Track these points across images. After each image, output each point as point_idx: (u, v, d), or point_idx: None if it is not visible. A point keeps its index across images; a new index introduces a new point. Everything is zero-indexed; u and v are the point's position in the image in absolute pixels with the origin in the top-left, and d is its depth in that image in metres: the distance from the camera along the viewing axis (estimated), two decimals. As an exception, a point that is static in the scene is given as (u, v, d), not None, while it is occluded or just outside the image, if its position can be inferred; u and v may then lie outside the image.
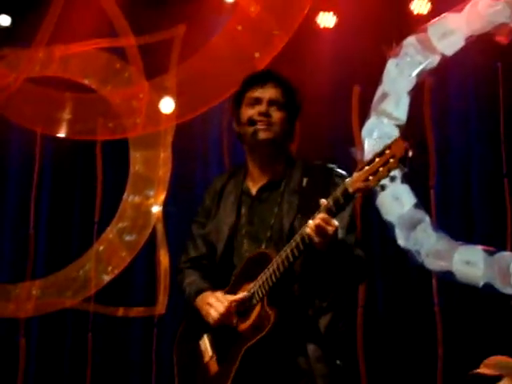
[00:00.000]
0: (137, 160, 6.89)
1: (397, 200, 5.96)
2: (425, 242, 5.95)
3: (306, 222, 3.11)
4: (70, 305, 6.76)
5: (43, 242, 7.01)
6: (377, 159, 2.94)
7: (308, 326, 3.26)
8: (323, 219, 3.03)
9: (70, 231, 7.05)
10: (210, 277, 3.50)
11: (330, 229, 3.04)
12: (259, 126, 3.41)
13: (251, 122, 3.42)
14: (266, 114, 3.42)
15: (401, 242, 5.99)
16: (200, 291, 3.41)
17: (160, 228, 6.74)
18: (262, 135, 3.41)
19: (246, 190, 3.53)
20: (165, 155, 6.82)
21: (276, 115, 3.43)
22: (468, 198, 6.27)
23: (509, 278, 5.67)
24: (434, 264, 5.91)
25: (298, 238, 3.12)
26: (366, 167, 2.96)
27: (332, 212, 3.05)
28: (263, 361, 3.20)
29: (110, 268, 6.75)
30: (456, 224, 6.26)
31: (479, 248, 5.86)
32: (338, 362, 3.28)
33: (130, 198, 6.87)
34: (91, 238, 6.86)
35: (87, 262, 6.79)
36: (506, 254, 5.83)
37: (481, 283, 5.78)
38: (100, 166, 6.95)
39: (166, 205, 6.77)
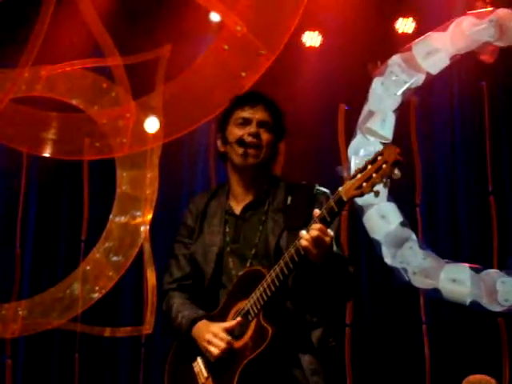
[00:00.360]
0: (123, 180, 6.89)
1: (383, 218, 5.97)
2: (411, 259, 5.96)
3: (293, 239, 3.13)
4: (57, 325, 6.73)
5: (29, 262, 6.99)
6: (369, 166, 2.97)
7: (301, 339, 3.27)
8: (320, 229, 3.04)
9: (57, 251, 7.04)
10: (197, 297, 3.49)
11: (327, 239, 3.06)
12: (249, 150, 3.41)
13: (241, 142, 3.42)
14: (256, 135, 3.42)
15: (388, 260, 6.00)
16: (194, 321, 3.39)
17: (147, 248, 6.74)
18: (251, 160, 3.42)
19: (229, 210, 3.53)
20: (152, 175, 6.82)
21: (265, 137, 3.43)
22: (454, 216, 6.29)
23: (495, 296, 5.68)
24: (420, 282, 5.92)
25: (292, 250, 3.12)
26: (359, 175, 2.99)
27: (326, 222, 3.07)
28: (261, 375, 3.20)
29: (96, 288, 6.73)
30: (442, 242, 6.29)
31: (466, 266, 5.88)
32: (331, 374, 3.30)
33: (116, 218, 6.87)
34: (78, 258, 6.84)
35: (74, 281, 6.77)
36: (492, 271, 5.85)
37: (468, 301, 5.79)
38: (87, 185, 6.95)
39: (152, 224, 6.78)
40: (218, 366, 3.28)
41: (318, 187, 3.45)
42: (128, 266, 6.77)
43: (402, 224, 6.02)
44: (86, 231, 6.89)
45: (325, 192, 3.41)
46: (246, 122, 3.45)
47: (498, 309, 5.75)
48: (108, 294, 6.74)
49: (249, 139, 3.41)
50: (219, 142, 3.56)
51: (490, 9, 6.08)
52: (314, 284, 3.22)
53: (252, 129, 3.42)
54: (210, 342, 3.26)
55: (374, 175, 2.94)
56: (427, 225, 6.28)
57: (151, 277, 6.67)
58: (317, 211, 3.09)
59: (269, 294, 3.16)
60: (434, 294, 5.91)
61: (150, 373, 6.61)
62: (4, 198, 7.09)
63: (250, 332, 3.21)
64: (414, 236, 6.04)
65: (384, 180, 2.93)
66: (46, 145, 6.91)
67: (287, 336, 3.22)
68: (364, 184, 2.97)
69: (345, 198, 3.02)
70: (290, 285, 3.24)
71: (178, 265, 3.58)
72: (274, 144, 3.48)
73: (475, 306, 5.80)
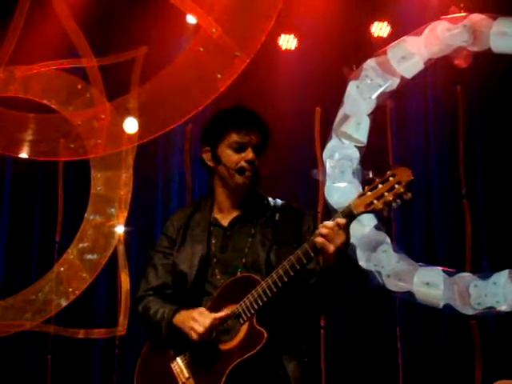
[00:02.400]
0: (98, 180, 6.87)
1: (358, 221, 5.95)
2: (385, 262, 5.99)
3: (282, 253, 3.23)
4: (30, 327, 6.70)
5: (2, 263, 6.95)
6: (380, 185, 3.08)
7: (290, 345, 3.32)
8: (340, 224, 3.12)
9: (31, 252, 7.00)
10: (177, 304, 3.49)
11: (343, 237, 3.14)
12: (247, 175, 3.43)
13: (241, 170, 3.43)
14: (253, 162, 3.44)
15: (362, 263, 6.01)
16: (177, 310, 3.39)
17: (121, 249, 6.73)
18: (248, 182, 3.45)
19: (214, 222, 3.55)
20: (126, 176, 6.82)
21: (257, 161, 3.46)
22: (428, 220, 6.33)
23: (468, 299, 5.72)
24: (394, 285, 5.95)
25: (306, 246, 3.17)
26: (369, 192, 3.10)
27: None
28: (248, 378, 3.22)
29: (70, 289, 6.70)
30: (416, 245, 6.32)
31: (439, 269, 5.91)
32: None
33: (91, 219, 6.85)
34: (52, 259, 6.81)
35: (47, 283, 6.74)
36: (466, 274, 5.88)
37: (441, 304, 5.82)
38: (61, 186, 6.92)
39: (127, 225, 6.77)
40: (200, 366, 3.29)
41: (304, 210, 3.55)
42: (102, 267, 6.75)
43: (377, 227, 6.05)
44: (61, 233, 6.86)
45: (311, 213, 3.58)
46: (242, 147, 3.45)
47: (470, 312, 5.78)
48: (82, 296, 6.72)
49: (247, 167, 3.43)
50: (207, 156, 3.55)
51: (464, 14, 6.12)
52: (330, 284, 3.26)
53: (250, 155, 3.43)
54: (195, 320, 3.26)
55: (386, 194, 3.07)
56: (401, 228, 6.31)
57: (125, 278, 6.66)
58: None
59: (265, 299, 3.20)
60: (408, 296, 5.94)
61: (124, 374, 6.59)
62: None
63: (241, 335, 3.23)
64: (388, 239, 6.06)
65: (397, 200, 3.06)
66: (21, 145, 6.88)
67: (278, 342, 3.25)
68: (375, 201, 3.09)
69: (355, 212, 3.13)
70: (287, 291, 3.26)
71: (156, 274, 3.57)
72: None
73: (448, 309, 5.83)
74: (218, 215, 3.55)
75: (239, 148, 3.45)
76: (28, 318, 6.67)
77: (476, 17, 6.05)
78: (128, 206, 6.79)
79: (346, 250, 3.19)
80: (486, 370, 5.89)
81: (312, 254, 3.16)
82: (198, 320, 3.25)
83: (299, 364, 3.31)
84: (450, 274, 5.87)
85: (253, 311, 3.21)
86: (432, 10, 6.26)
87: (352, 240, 5.86)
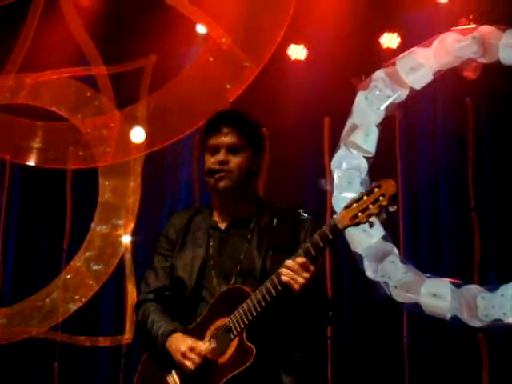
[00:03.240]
0: (106, 189, 6.88)
1: (365, 232, 5.97)
2: (393, 273, 5.97)
3: (278, 261, 3.20)
4: (36, 334, 6.70)
5: (10, 270, 6.96)
6: (365, 197, 3.06)
7: (283, 359, 3.30)
8: (302, 264, 3.10)
9: (39, 259, 7.01)
10: (174, 309, 3.48)
11: (306, 275, 3.11)
12: (218, 177, 3.42)
13: (210, 172, 3.44)
14: (224, 163, 3.43)
15: (369, 273, 6.01)
16: (170, 333, 3.38)
17: (128, 257, 6.73)
18: (221, 184, 3.43)
19: (214, 225, 3.55)
20: (134, 184, 6.82)
21: (234, 161, 3.43)
22: (436, 231, 6.31)
23: (475, 311, 5.70)
24: (401, 296, 5.93)
25: (274, 278, 3.17)
26: (354, 205, 3.07)
27: (319, 248, 3.13)
28: None
29: (77, 297, 6.71)
30: (424, 256, 6.30)
31: (446, 281, 5.89)
32: None
33: (98, 227, 6.86)
34: (59, 266, 6.82)
35: (54, 290, 6.75)
36: (473, 286, 5.86)
37: (448, 315, 5.80)
38: (70, 194, 6.93)
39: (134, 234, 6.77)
40: (194, 380, 3.28)
41: (302, 212, 3.49)
42: (109, 275, 6.75)
43: (384, 238, 6.03)
44: (68, 240, 6.87)
45: (310, 218, 3.47)
46: (216, 149, 3.46)
47: (478, 324, 5.76)
48: (89, 304, 6.72)
49: (216, 167, 3.43)
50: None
51: (473, 26, 6.12)
52: (291, 312, 3.26)
53: (220, 156, 3.44)
54: (185, 356, 3.26)
55: (371, 206, 3.04)
56: (409, 239, 6.30)
57: (132, 286, 6.66)
58: (306, 245, 3.15)
59: (254, 313, 3.19)
60: (415, 308, 5.92)
61: (130, 383, 6.58)
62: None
63: (232, 349, 3.22)
64: (395, 250, 6.05)
65: (383, 213, 3.04)
66: (30, 153, 6.90)
67: (269, 356, 3.24)
68: (360, 214, 3.06)
69: (340, 226, 3.09)
70: (275, 307, 3.26)
71: (156, 276, 3.57)
72: (248, 163, 3.48)
73: (455, 320, 5.81)
74: (216, 218, 3.55)
75: (214, 150, 3.46)
76: (35, 324, 6.68)
77: (485, 29, 6.05)
78: (136, 214, 6.79)
79: (312, 285, 3.15)
80: (493, 382, 5.87)
81: (280, 288, 3.16)
82: (188, 357, 3.25)
83: (295, 378, 3.29)
84: (457, 286, 5.85)
85: (243, 325, 3.20)
86: (441, 21, 6.26)
87: (359, 250, 6.02)
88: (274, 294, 3.16)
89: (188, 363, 3.24)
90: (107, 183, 6.89)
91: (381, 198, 3.02)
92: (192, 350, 3.25)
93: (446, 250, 6.25)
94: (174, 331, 3.37)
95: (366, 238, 5.98)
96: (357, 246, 6.07)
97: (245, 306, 3.21)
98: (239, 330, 3.21)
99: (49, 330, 6.68)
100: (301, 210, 3.50)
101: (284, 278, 3.12)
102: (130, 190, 6.82)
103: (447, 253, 6.24)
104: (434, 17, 6.34)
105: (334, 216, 3.12)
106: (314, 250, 3.12)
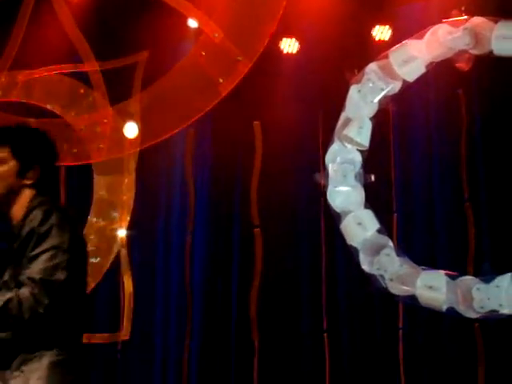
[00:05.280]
0: (101, 185, 6.88)
1: (360, 225, 5.98)
2: (388, 266, 5.98)
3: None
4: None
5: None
6: None
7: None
8: None
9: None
10: None
11: None
12: None
13: None
14: None
15: (365, 266, 6.01)
16: None
17: (124, 253, 6.73)
18: None
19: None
20: (129, 180, 6.82)
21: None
22: (430, 223, 6.33)
23: (471, 302, 5.71)
24: (397, 288, 5.93)
25: None
26: None
27: None
28: None
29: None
30: (419, 249, 6.32)
31: (442, 273, 5.90)
32: None
33: (94, 223, 6.85)
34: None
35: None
36: (468, 278, 5.87)
37: (444, 307, 5.81)
38: (63, 190, 6.92)
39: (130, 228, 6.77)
40: None
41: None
42: (104, 271, 6.75)
43: (379, 231, 6.04)
44: (63, 237, 6.85)
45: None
46: None
47: (473, 315, 5.77)
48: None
49: None
50: None
51: (465, 17, 6.12)
52: None
53: None
54: None
55: None
56: (404, 232, 6.31)
57: (128, 283, 6.67)
58: None
59: None
60: (411, 300, 5.93)
61: (126, 379, 6.59)
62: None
63: None
64: (390, 243, 6.05)
65: None
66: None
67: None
68: None
69: None
70: None
71: None
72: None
73: (451, 312, 5.82)
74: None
75: None
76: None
77: (477, 20, 6.04)
78: (130, 210, 6.79)
79: None
80: (489, 373, 5.89)
81: None
82: None
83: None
84: (452, 278, 5.86)
85: None
86: (433, 13, 6.26)
87: (354, 244, 6.01)
88: None
89: None
90: (102, 179, 6.88)
91: None
92: None
93: (440, 241, 6.27)
94: None
95: (361, 231, 5.99)
96: (352, 239, 6.07)
97: None
98: None
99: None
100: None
101: None
102: (124, 186, 6.81)
103: (442, 245, 6.26)
104: (426, 9, 6.35)
105: None
106: None
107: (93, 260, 6.74)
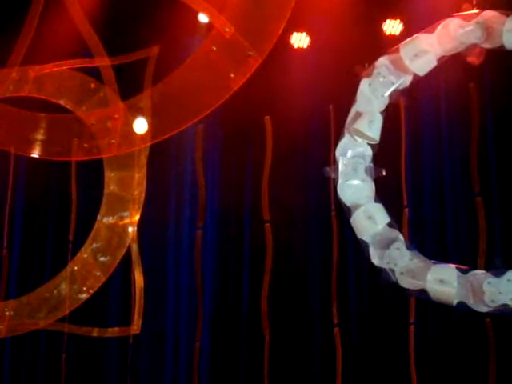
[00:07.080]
0: (111, 180, 6.89)
1: (370, 219, 5.96)
2: (399, 260, 5.95)
3: None
4: (44, 325, 6.72)
5: (16, 262, 6.97)
6: None
7: None
8: None
9: (44, 251, 7.03)
10: None
11: None
12: None
13: None
14: None
15: (375, 260, 5.99)
16: None
17: (135, 248, 6.75)
18: None
19: None
20: (139, 175, 6.83)
21: None
22: (441, 217, 6.32)
23: (482, 296, 5.68)
24: (408, 282, 5.91)
25: None
26: None
27: None
28: None
29: (84, 288, 6.73)
30: (429, 243, 6.31)
31: (452, 267, 5.88)
32: None
33: (104, 219, 6.87)
34: (66, 258, 6.83)
35: (61, 282, 6.77)
36: (479, 272, 5.84)
37: (455, 301, 5.79)
38: (74, 185, 6.94)
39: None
40: None
41: None
42: (115, 266, 6.77)
43: (390, 225, 6.01)
44: (74, 232, 6.88)
45: None
46: None
47: (484, 309, 5.74)
48: (96, 295, 6.74)
49: None
50: None
51: (477, 11, 6.09)
52: None
53: None
54: None
55: None
56: (414, 226, 6.30)
57: (139, 277, 6.68)
58: None
59: None
60: (422, 294, 5.92)
61: (138, 373, 6.61)
62: (-9, 198, 7.08)
63: None
64: (401, 237, 6.03)
65: None
66: (34, 145, 6.91)
67: None
68: None
69: None
70: None
71: None
72: None
73: (462, 306, 5.80)
74: None
75: None
76: (42, 316, 6.71)
77: (489, 13, 6.01)
78: (141, 205, 6.80)
79: None
80: (501, 368, 5.88)
81: None
82: None
83: None
84: (463, 272, 5.84)
85: None
86: (444, 7, 6.24)
87: (365, 238, 6.00)
88: None
89: None
90: (112, 175, 6.90)
91: None
92: None
93: (451, 235, 6.26)
94: None
95: (372, 225, 5.97)
96: (362, 233, 6.05)
97: None
98: None
99: (56, 321, 6.70)
100: None
101: None
102: (135, 182, 6.83)
103: (453, 238, 6.25)
104: (437, 2, 6.33)
105: None
106: None
107: (103, 256, 6.78)
